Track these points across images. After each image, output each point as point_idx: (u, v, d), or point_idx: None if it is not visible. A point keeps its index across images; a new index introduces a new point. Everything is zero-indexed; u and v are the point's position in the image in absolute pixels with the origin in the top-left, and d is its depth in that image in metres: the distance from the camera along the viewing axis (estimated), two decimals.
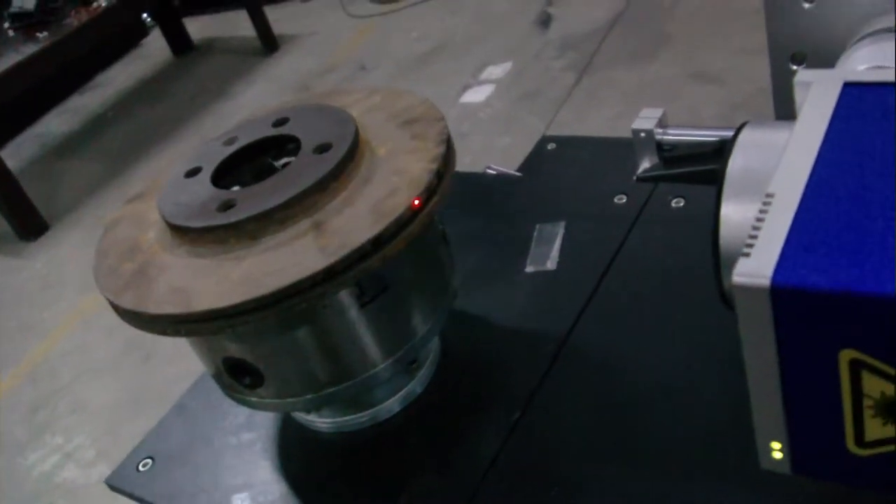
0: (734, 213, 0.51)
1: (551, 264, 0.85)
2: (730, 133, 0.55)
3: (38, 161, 3.75)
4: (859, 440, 0.44)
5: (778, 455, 0.47)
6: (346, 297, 0.65)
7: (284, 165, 0.71)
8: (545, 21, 3.39)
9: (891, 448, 0.44)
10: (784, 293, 0.41)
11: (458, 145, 0.71)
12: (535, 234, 0.89)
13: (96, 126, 3.91)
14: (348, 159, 0.65)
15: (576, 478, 0.66)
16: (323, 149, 0.66)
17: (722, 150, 0.54)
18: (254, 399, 0.70)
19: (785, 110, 0.74)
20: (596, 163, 0.99)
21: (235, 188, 0.70)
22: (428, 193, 0.63)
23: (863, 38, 0.64)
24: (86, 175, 3.47)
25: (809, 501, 0.58)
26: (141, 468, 0.79)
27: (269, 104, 0.83)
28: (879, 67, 0.61)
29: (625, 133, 0.75)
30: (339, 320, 0.66)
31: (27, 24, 3.37)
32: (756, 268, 0.42)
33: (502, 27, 3.46)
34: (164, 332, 0.62)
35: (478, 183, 1.02)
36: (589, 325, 0.78)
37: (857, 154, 0.47)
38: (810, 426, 0.45)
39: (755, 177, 0.50)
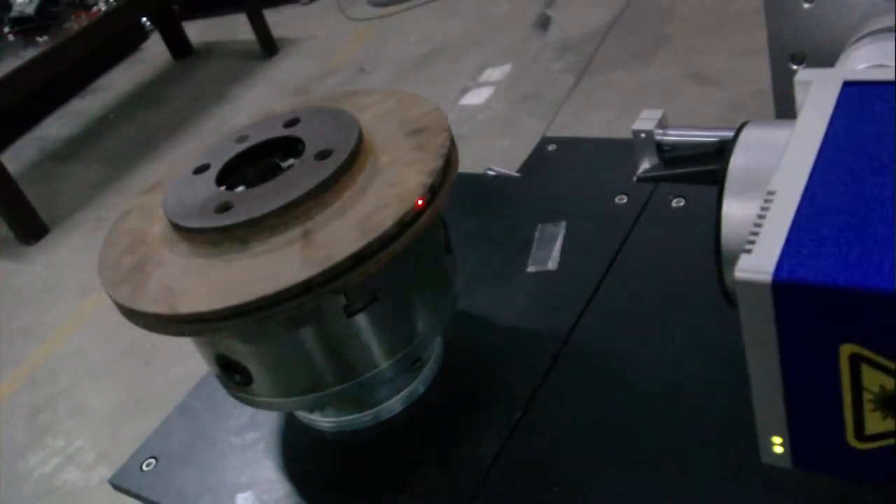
0: (736, 211, 0.51)
1: (552, 264, 0.85)
2: (729, 133, 0.56)
3: (39, 165, 3.76)
4: (859, 434, 0.45)
5: (779, 449, 0.48)
6: (330, 306, 0.64)
7: (290, 167, 0.71)
8: (544, 23, 3.40)
9: (891, 441, 0.44)
10: (785, 288, 0.41)
11: (458, 147, 0.70)
12: (537, 234, 0.89)
13: (96, 130, 3.91)
14: (346, 168, 0.65)
15: (577, 477, 0.66)
16: (324, 155, 0.67)
17: (722, 151, 0.55)
18: (245, 395, 0.71)
19: (785, 110, 0.75)
20: (596, 163, 0.99)
21: (240, 188, 0.71)
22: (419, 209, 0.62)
23: (862, 37, 0.65)
24: (86, 178, 3.47)
25: (809, 501, 0.58)
26: (144, 468, 0.79)
27: (287, 102, 0.83)
28: (879, 66, 0.61)
29: (624, 134, 0.76)
30: (324, 328, 0.65)
31: (27, 28, 3.38)
32: (758, 263, 0.42)
33: (501, 29, 3.47)
34: (153, 330, 0.63)
35: (479, 184, 1.03)
36: (590, 324, 0.78)
37: (857, 152, 0.47)
38: (811, 420, 0.46)
39: (756, 175, 0.50)
